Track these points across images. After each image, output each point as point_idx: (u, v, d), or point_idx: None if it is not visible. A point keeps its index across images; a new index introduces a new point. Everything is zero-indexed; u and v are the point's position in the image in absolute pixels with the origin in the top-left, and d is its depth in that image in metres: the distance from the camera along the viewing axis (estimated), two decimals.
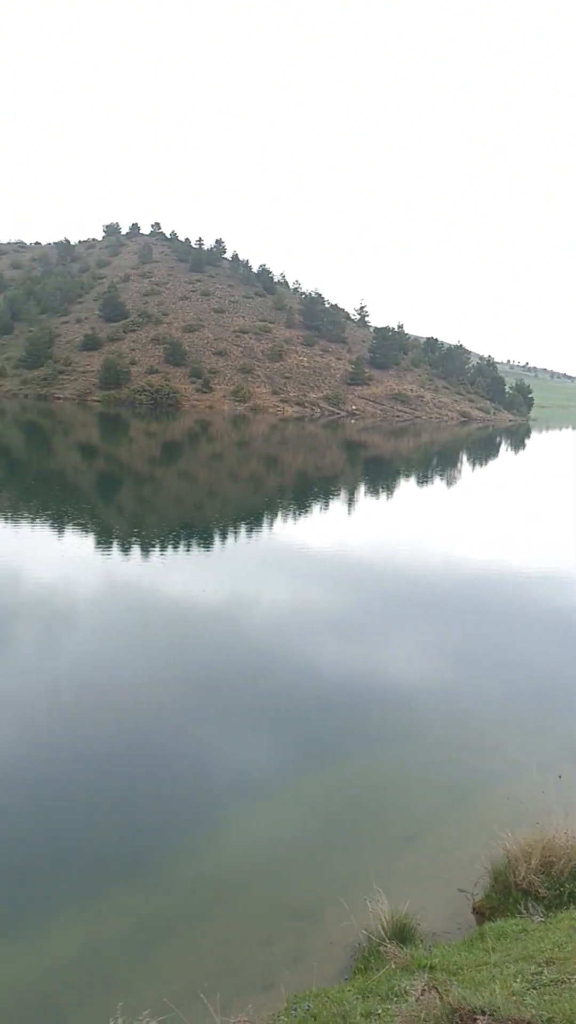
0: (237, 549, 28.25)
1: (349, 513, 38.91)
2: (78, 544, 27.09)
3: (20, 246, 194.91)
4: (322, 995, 6.49)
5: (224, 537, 30.32)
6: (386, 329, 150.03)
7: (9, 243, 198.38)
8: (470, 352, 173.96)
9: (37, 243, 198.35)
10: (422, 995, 5.54)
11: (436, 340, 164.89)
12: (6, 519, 30.65)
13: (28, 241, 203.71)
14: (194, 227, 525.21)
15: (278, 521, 35.10)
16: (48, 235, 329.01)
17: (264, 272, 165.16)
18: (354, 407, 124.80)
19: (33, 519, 30.87)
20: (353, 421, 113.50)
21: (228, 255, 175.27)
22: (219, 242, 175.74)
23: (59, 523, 30.53)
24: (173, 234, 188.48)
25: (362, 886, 8.81)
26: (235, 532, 31.69)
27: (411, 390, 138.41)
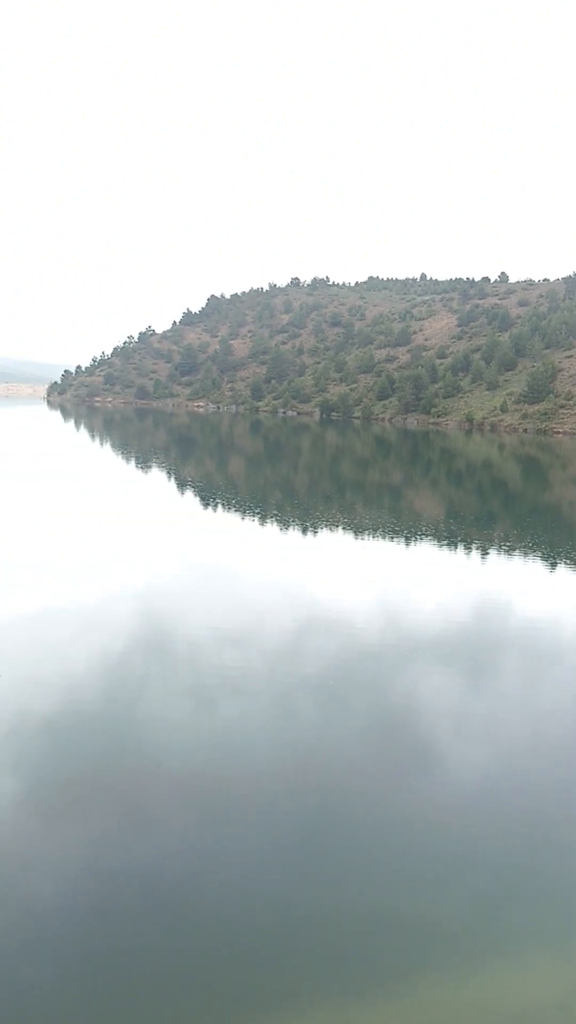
0: None
1: None
2: (571, 580, 26.46)
3: (528, 284, 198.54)
4: None
5: None
6: None
7: (518, 282, 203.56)
8: None
9: (545, 279, 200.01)
10: None
11: None
12: (499, 550, 31.18)
13: (536, 278, 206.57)
14: None
15: None
16: (558, 271, 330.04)
17: None
18: None
19: (525, 553, 30.91)
20: None
21: None
22: None
23: (550, 558, 30.12)
24: None
25: None
26: None
27: None
